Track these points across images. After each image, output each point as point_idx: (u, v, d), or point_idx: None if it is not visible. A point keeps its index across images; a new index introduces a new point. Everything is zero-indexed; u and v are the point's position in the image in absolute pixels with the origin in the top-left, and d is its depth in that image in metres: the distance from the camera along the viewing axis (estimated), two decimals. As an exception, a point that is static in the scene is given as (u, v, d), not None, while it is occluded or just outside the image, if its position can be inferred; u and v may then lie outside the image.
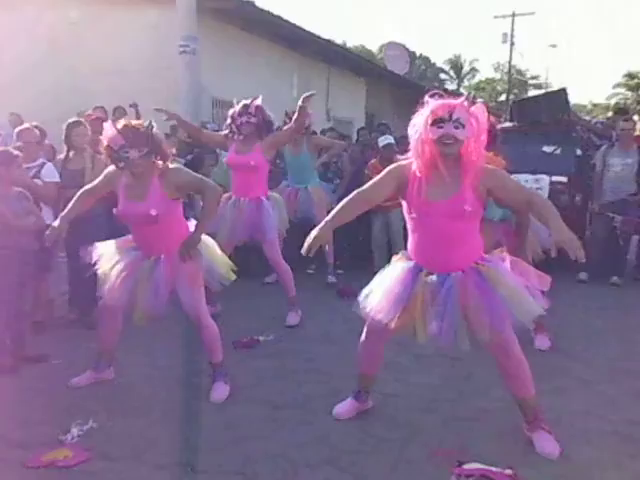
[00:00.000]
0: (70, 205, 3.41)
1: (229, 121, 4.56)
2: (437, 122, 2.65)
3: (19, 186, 3.93)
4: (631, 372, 3.82)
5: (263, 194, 4.67)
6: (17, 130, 4.66)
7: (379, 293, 2.85)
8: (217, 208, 3.36)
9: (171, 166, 3.29)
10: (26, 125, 4.69)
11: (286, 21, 10.09)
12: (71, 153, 4.66)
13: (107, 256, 3.38)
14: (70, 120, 4.70)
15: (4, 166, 3.79)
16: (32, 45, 8.72)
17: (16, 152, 3.97)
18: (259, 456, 2.79)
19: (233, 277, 3.56)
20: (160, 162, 3.23)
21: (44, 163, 4.52)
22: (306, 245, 2.78)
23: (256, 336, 4.38)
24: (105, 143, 3.18)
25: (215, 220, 4.58)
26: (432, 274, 2.81)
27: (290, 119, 5.27)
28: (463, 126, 2.65)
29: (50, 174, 4.47)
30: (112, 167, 3.30)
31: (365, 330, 3.03)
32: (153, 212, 3.18)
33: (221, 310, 4.65)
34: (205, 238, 3.44)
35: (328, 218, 2.83)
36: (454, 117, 2.64)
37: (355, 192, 2.88)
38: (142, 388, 3.54)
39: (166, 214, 3.24)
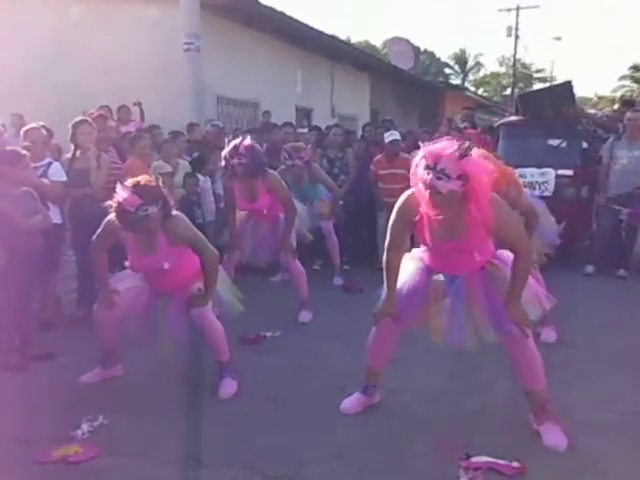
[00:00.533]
0: (97, 271, 3.44)
1: (224, 164, 4.53)
2: (427, 168, 2.53)
3: (26, 185, 3.95)
4: (637, 364, 3.82)
5: (280, 211, 4.71)
6: (24, 130, 4.68)
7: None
8: (217, 272, 3.40)
9: (172, 215, 3.23)
10: (33, 125, 4.71)
11: (289, 17, 10.08)
12: (77, 152, 4.68)
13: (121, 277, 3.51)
14: (76, 119, 4.72)
15: (10, 165, 3.81)
16: (35, 44, 8.73)
17: (23, 152, 4.00)
18: (266, 451, 2.81)
19: (241, 308, 3.65)
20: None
21: (51, 162, 4.55)
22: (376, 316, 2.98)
23: (263, 332, 4.40)
24: (117, 206, 3.02)
25: (235, 237, 4.71)
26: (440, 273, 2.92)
27: (289, 155, 5.31)
28: (448, 177, 2.46)
29: (57, 173, 4.49)
30: (112, 217, 3.11)
31: (378, 324, 3.03)
32: (166, 266, 3.24)
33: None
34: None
35: (385, 290, 2.94)
36: (438, 167, 2.48)
37: (385, 252, 2.91)
38: (150, 385, 3.57)
39: (177, 260, 3.29)
